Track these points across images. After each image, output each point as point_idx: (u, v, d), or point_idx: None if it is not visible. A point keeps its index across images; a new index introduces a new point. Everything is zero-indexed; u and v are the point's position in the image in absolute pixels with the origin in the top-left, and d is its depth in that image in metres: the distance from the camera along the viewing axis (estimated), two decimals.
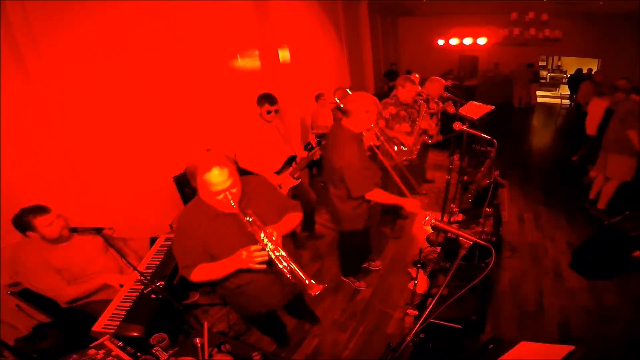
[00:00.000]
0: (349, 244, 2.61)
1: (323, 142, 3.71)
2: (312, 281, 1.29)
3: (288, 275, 1.32)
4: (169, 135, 3.26)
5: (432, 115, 3.61)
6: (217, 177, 1.30)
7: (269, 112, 2.81)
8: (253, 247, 1.32)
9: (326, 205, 2.41)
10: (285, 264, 1.32)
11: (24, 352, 1.96)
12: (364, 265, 3.06)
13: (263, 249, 1.32)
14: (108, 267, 2.13)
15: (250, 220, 1.36)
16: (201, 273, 1.46)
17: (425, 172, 4.61)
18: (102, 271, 2.05)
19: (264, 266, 1.34)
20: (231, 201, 1.34)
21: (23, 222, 1.76)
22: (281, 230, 1.45)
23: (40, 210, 1.79)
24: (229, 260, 1.39)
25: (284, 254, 1.33)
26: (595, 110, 4.50)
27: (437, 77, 3.56)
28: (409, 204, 2.11)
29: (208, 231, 1.44)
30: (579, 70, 8.20)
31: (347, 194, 2.15)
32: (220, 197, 1.34)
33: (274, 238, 1.34)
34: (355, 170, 2.02)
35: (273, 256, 1.32)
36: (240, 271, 1.43)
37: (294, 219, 1.66)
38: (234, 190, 1.36)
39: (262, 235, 1.33)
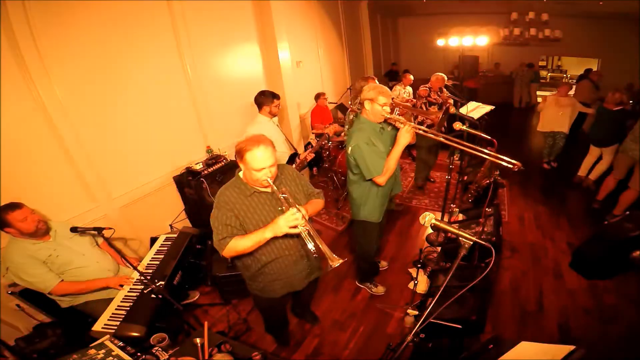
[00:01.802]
0: (363, 236, 2.58)
1: (322, 142, 3.74)
2: (334, 255, 1.43)
3: (312, 248, 1.47)
4: (169, 136, 3.26)
5: (431, 104, 4.03)
6: (263, 154, 1.48)
7: (278, 106, 2.96)
8: (288, 212, 1.47)
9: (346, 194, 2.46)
10: (310, 238, 1.47)
11: (24, 352, 1.96)
12: None
13: (298, 212, 1.47)
14: (98, 262, 2.13)
15: (285, 197, 1.55)
16: (236, 243, 1.56)
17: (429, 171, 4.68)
18: (90, 266, 2.06)
19: (299, 230, 1.48)
20: (268, 178, 1.50)
21: None
22: (309, 211, 1.62)
23: (13, 206, 1.84)
24: (265, 228, 1.53)
25: (310, 229, 1.48)
26: (571, 108, 4.49)
27: (440, 73, 4.07)
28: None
29: (244, 207, 1.60)
30: (588, 70, 8.15)
31: (362, 177, 2.22)
32: (261, 173, 1.50)
33: (303, 213, 1.48)
34: (362, 151, 2.09)
35: (302, 230, 1.48)
36: (266, 248, 1.64)
37: (317, 204, 1.83)
38: (273, 170, 1.53)
39: (294, 210, 1.50)
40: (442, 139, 2.09)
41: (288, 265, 1.77)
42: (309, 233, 1.48)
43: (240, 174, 1.65)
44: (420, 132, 2.08)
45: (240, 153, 1.52)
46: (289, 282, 1.85)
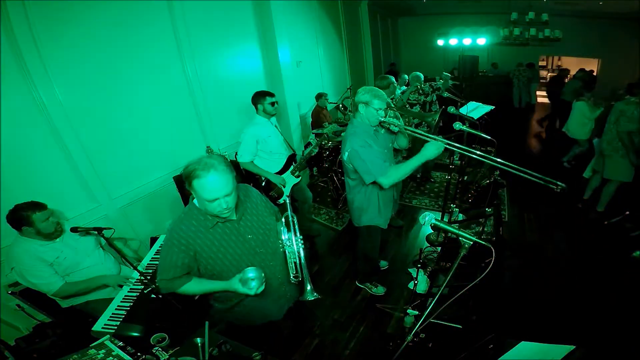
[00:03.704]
0: (367, 242, 2.53)
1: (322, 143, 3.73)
2: (311, 288, 1.44)
3: (292, 278, 1.43)
4: (169, 136, 3.25)
5: (411, 105, 4.23)
6: (216, 181, 1.18)
7: (272, 104, 2.89)
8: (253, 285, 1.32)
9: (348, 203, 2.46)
10: (298, 265, 1.47)
11: (24, 352, 1.96)
12: None
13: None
14: (103, 263, 2.14)
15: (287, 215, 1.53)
16: (193, 287, 1.39)
17: (430, 171, 4.71)
18: (94, 267, 2.07)
19: (290, 259, 1.48)
20: (227, 208, 1.26)
21: (22, 216, 1.81)
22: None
23: (39, 206, 1.87)
24: (225, 284, 1.37)
25: (303, 259, 1.49)
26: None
27: (416, 72, 4.23)
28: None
29: (207, 242, 1.34)
30: (580, 70, 8.16)
31: (362, 183, 2.16)
32: (215, 204, 1.23)
33: (302, 242, 1.48)
34: (359, 155, 2.02)
35: (295, 255, 1.47)
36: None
37: None
38: (230, 199, 1.25)
39: (298, 236, 1.51)
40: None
41: (266, 294, 1.52)
42: (298, 263, 1.47)
43: (196, 201, 1.33)
44: (417, 135, 2.05)
45: (187, 179, 1.21)
46: (266, 314, 1.65)
